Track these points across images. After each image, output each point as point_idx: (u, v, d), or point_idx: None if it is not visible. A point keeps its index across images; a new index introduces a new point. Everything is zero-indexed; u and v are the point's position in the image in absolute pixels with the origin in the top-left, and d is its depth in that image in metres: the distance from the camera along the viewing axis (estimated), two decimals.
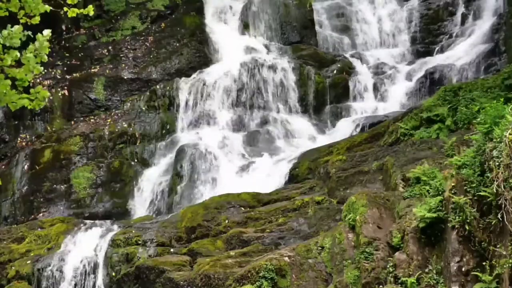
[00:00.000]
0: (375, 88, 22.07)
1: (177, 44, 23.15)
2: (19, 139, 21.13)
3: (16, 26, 8.58)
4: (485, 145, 10.89)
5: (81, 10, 9.57)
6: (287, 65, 22.16)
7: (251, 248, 14.21)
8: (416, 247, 11.78)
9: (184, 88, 21.58)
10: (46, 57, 8.81)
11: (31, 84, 9.25)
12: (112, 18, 24.26)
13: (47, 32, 8.74)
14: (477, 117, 11.96)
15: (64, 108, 21.83)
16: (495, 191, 10.47)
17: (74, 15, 9.50)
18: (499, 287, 10.35)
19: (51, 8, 9.30)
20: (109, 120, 21.23)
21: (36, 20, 8.94)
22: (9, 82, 8.81)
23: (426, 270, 11.55)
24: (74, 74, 22.52)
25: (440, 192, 11.85)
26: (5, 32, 8.55)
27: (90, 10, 9.52)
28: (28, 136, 21.23)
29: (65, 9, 9.49)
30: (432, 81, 21.05)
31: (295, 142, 20.46)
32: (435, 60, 22.15)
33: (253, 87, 21.61)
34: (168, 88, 21.63)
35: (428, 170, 13.02)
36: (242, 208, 16.00)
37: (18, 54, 8.67)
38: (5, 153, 20.89)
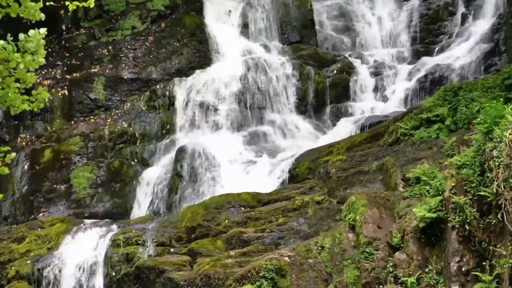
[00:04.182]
0: (375, 88, 22.07)
1: (177, 44, 23.15)
2: (19, 139, 21.13)
3: (32, 31, 8.64)
4: (485, 145, 10.89)
5: (82, 4, 9.59)
6: (287, 65, 22.16)
7: (251, 248, 14.21)
8: (416, 247, 11.78)
9: (184, 88, 21.58)
10: (44, 55, 8.83)
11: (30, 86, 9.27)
12: (112, 18, 24.26)
13: (43, 30, 8.79)
14: (477, 117, 11.96)
15: (64, 108, 21.83)
16: (495, 191, 10.47)
17: (74, 7, 9.50)
18: (499, 287, 10.36)
19: (51, 3, 9.33)
20: (109, 120, 21.23)
21: (39, 16, 8.98)
22: (18, 85, 8.86)
23: (426, 270, 11.56)
24: (74, 74, 22.51)
25: (440, 192, 11.85)
26: (21, 35, 8.60)
27: (91, 2, 9.53)
28: (28, 136, 21.23)
29: (67, 3, 9.51)
30: (432, 81, 21.05)
31: (295, 142, 20.45)
32: (435, 60, 22.14)
33: (253, 87, 21.61)
34: (168, 88, 21.64)
35: (428, 170, 13.02)
36: (242, 208, 16.00)
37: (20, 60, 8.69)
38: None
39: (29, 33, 8.64)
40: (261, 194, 16.62)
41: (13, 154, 9.79)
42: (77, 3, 9.56)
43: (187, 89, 21.54)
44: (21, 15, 8.94)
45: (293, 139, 20.63)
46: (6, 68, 8.69)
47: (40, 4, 8.96)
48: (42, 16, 8.97)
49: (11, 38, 8.63)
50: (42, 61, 8.79)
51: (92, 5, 9.53)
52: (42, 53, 8.75)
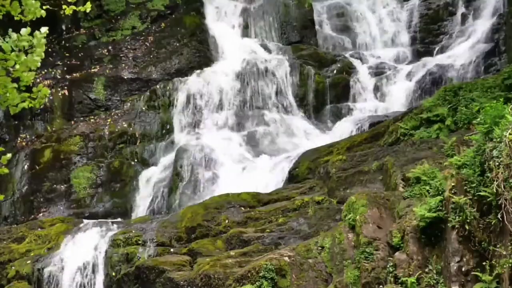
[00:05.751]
0: (375, 88, 22.06)
1: (177, 44, 23.15)
2: (19, 139, 21.13)
3: (24, 29, 8.65)
4: (485, 145, 10.90)
5: (80, 8, 9.60)
6: (287, 65, 22.16)
7: (251, 248, 14.21)
8: (416, 247, 11.79)
9: (184, 88, 21.58)
10: (41, 53, 8.84)
11: (30, 84, 9.28)
12: (112, 18, 24.26)
13: (44, 29, 8.80)
14: (477, 117, 11.95)
15: (64, 108, 21.84)
16: (495, 191, 10.48)
17: (70, 12, 9.52)
18: (499, 287, 10.36)
19: (48, 7, 9.34)
20: (109, 120, 21.24)
21: (40, 13, 9.00)
22: (15, 85, 8.87)
23: (426, 270, 11.56)
24: (74, 74, 22.52)
25: (440, 192, 11.86)
26: (14, 35, 8.62)
27: (88, 7, 9.54)
28: (28, 136, 21.24)
29: (64, 6, 9.52)
30: (432, 81, 21.05)
31: (295, 142, 20.44)
32: (435, 60, 22.14)
33: (253, 87, 21.61)
34: (168, 88, 21.64)
35: (428, 170, 13.02)
36: (242, 208, 16.00)
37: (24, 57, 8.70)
38: (5, 153, 20.85)
39: (21, 32, 8.65)
40: (261, 194, 16.62)
41: (9, 155, 9.77)
42: (73, 7, 9.58)
43: (187, 89, 21.55)
44: (22, 18, 8.96)
45: (293, 139, 20.62)
46: (4, 68, 8.71)
47: (39, 3, 8.97)
48: (43, 13, 8.99)
49: (13, 33, 8.64)
50: (38, 59, 8.79)
51: (88, 9, 9.54)
52: (38, 51, 8.75)
